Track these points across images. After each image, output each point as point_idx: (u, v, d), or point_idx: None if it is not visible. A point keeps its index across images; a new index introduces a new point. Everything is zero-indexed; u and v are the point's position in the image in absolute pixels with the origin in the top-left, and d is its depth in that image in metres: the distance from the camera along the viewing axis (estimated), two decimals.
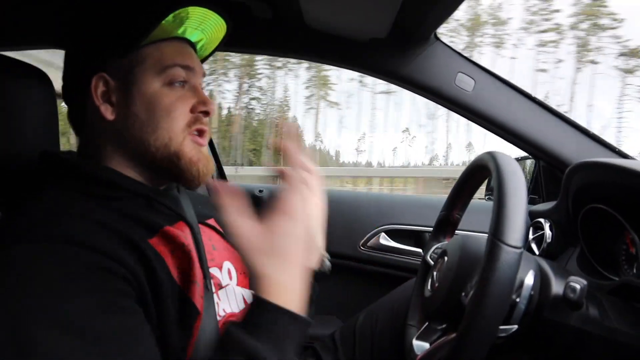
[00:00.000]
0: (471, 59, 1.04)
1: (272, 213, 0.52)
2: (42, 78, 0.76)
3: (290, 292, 0.51)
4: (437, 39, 1.03)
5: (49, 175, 0.63)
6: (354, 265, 1.35)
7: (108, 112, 0.63)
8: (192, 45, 0.71)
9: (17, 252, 0.48)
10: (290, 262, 0.51)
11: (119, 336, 0.46)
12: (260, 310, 0.49)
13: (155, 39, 0.64)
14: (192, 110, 0.65)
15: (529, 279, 0.61)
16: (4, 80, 0.71)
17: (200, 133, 0.67)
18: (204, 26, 0.70)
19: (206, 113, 0.66)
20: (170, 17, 0.63)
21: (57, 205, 0.56)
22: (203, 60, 0.78)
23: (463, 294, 0.65)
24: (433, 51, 1.03)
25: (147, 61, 0.63)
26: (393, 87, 1.09)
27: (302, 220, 0.52)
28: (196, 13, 0.67)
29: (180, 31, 0.67)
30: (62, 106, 0.77)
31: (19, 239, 0.50)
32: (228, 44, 1.12)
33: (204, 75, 0.70)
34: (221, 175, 1.65)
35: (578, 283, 0.59)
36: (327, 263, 0.73)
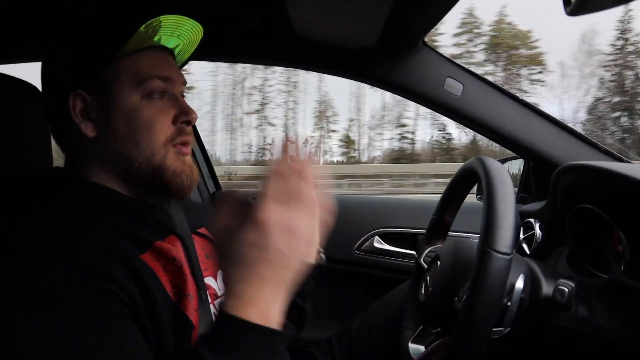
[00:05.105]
0: (459, 63, 1.06)
1: (244, 220, 0.48)
2: (32, 93, 0.75)
3: (256, 304, 0.47)
4: (426, 45, 1.04)
5: (37, 194, 0.61)
6: (349, 269, 1.36)
7: (88, 130, 0.62)
8: (170, 51, 0.70)
9: (11, 274, 0.48)
10: (256, 274, 0.47)
11: (117, 356, 0.47)
12: (223, 325, 0.46)
13: (130, 50, 0.62)
14: (174, 122, 0.64)
15: (520, 283, 0.62)
16: None
17: (184, 144, 0.65)
18: (179, 31, 0.69)
19: (188, 122, 0.65)
20: (142, 28, 0.61)
21: (49, 225, 0.55)
22: (183, 64, 0.77)
23: (456, 298, 0.67)
24: (422, 57, 1.04)
25: (123, 75, 0.62)
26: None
27: (277, 229, 0.47)
28: (169, 20, 0.65)
29: (155, 39, 0.66)
30: None
31: (12, 260, 0.50)
32: (218, 53, 1.14)
33: (184, 83, 0.69)
34: (213, 179, 1.65)
35: (566, 286, 0.60)
36: (323, 256, 0.72)
